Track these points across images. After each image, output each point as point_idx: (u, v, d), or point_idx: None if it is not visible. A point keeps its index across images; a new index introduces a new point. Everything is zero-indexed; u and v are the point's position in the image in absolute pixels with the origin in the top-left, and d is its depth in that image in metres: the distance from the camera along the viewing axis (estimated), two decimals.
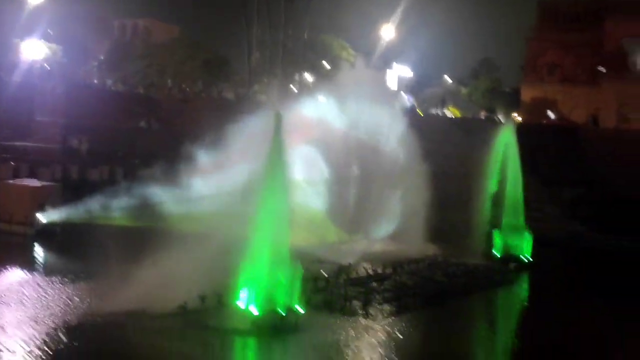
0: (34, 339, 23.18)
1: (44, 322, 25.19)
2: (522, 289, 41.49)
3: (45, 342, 23.04)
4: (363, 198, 47.43)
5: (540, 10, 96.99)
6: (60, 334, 23.94)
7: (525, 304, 38.64)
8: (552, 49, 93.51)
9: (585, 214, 58.82)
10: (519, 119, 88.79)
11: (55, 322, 25.23)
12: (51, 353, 22.22)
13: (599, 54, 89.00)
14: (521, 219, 43.91)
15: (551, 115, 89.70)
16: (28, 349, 22.30)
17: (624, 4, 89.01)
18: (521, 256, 43.39)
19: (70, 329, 24.48)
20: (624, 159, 67.75)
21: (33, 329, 24.29)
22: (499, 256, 43.40)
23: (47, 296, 28.79)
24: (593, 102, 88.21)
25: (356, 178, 47.11)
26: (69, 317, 25.90)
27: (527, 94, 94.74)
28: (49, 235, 41.71)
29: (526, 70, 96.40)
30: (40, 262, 37.98)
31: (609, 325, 32.57)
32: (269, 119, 26.66)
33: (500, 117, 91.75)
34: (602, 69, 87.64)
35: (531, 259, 43.53)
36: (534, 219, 44.70)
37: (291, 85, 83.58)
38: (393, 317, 29.66)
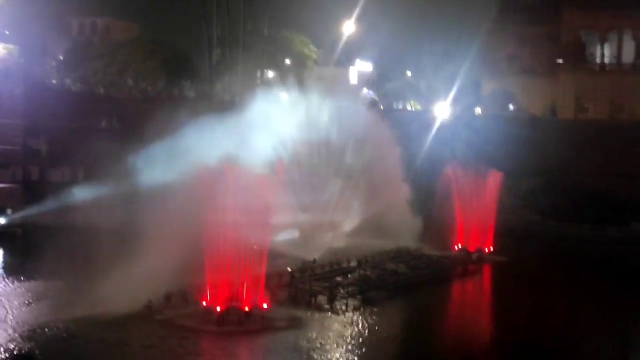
0: None
1: None
2: (484, 279, 42.09)
3: None
4: (328, 194, 47.67)
5: (500, 3, 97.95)
6: (15, 336, 23.51)
7: (486, 294, 39.21)
8: (511, 41, 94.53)
9: (543, 204, 59.77)
10: (479, 111, 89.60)
11: (9, 325, 24.88)
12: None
13: (557, 45, 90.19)
14: (482, 212, 44.50)
15: (511, 107, 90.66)
16: None
17: None
18: (482, 247, 43.98)
19: (27, 332, 24.06)
20: (581, 149, 68.86)
21: None
22: (461, 248, 43.93)
23: (2, 299, 28.43)
24: (551, 93, 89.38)
25: (322, 174, 47.32)
26: (24, 320, 25.53)
27: (487, 86, 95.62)
28: (9, 237, 41.25)
29: (486, 62, 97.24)
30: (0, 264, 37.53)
31: (569, 314, 33.16)
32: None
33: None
34: (560, 61, 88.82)
35: (492, 250, 44.16)
36: (494, 211, 45.25)
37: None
38: (357, 311, 29.90)
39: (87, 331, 24.13)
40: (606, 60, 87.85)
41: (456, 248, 43.93)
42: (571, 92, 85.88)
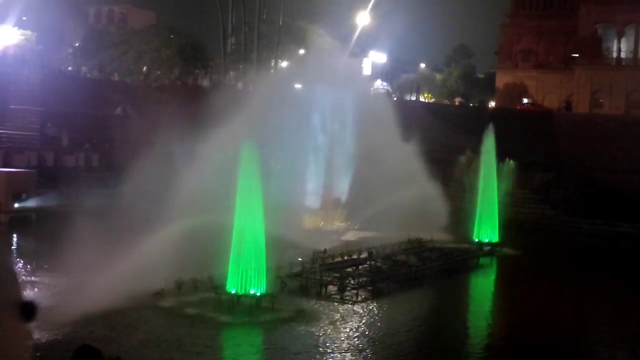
0: None
1: None
2: (494, 272, 42.08)
3: None
4: (340, 185, 47.82)
5: None
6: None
7: (497, 286, 39.23)
8: (527, 35, 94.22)
9: (556, 198, 59.61)
10: (493, 104, 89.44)
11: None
12: None
13: (573, 40, 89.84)
14: (494, 204, 44.46)
15: (525, 100, 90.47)
16: None
17: None
18: (494, 240, 43.97)
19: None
20: (595, 143, 68.67)
21: None
22: (473, 240, 43.94)
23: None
24: (566, 87, 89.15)
25: (333, 166, 47.43)
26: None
27: (501, 80, 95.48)
28: (23, 222, 41.58)
29: (500, 56, 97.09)
30: (13, 250, 37.79)
31: (581, 308, 33.17)
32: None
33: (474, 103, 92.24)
34: (576, 55, 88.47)
35: (503, 243, 44.14)
36: (506, 203, 45.25)
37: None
38: (368, 302, 30.00)
39: (90, 321, 23.52)
40: (622, 55, 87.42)
41: (468, 240, 43.95)
42: (587, 86, 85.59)
